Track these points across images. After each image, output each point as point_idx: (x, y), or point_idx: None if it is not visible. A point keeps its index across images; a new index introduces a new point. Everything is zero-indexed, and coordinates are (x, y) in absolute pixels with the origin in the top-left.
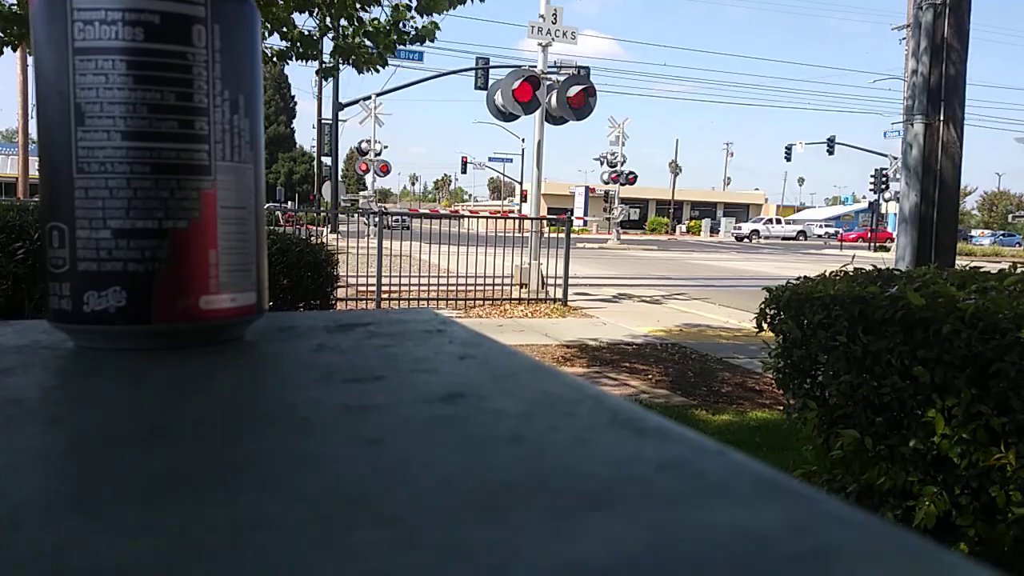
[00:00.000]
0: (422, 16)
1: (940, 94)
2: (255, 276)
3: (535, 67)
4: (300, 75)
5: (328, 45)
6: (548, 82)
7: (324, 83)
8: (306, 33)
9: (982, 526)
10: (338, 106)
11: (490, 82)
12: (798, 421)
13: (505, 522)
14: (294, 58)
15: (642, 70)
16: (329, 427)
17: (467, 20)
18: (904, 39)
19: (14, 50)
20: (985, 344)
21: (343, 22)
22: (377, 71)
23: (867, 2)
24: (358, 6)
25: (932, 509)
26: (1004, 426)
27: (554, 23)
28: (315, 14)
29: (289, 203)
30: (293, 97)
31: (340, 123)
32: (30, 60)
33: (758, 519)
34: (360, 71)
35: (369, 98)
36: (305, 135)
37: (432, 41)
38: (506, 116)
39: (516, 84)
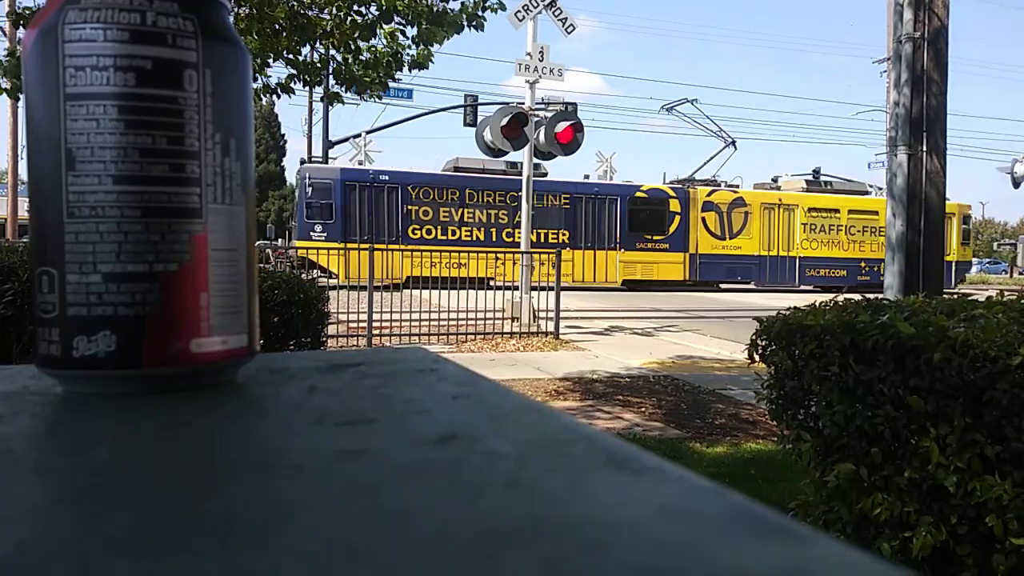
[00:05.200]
0: (419, 46)
1: (922, 125)
2: (246, 318)
3: (523, 104)
4: (290, 113)
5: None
6: (536, 118)
7: (321, 118)
8: (308, 61)
9: (980, 555)
10: (328, 143)
11: (479, 119)
12: (793, 452)
13: (502, 569)
14: (301, 84)
15: (629, 105)
16: (322, 473)
17: (456, 57)
18: (885, 72)
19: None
20: (976, 372)
21: (344, 51)
22: (379, 97)
23: (847, 36)
24: (357, 36)
25: (928, 540)
26: (998, 454)
27: (541, 60)
28: (317, 44)
29: (280, 240)
30: (283, 135)
31: (331, 161)
32: (22, 102)
33: (757, 561)
34: (361, 95)
35: (359, 135)
36: (295, 173)
37: (427, 68)
38: (495, 152)
39: (504, 121)
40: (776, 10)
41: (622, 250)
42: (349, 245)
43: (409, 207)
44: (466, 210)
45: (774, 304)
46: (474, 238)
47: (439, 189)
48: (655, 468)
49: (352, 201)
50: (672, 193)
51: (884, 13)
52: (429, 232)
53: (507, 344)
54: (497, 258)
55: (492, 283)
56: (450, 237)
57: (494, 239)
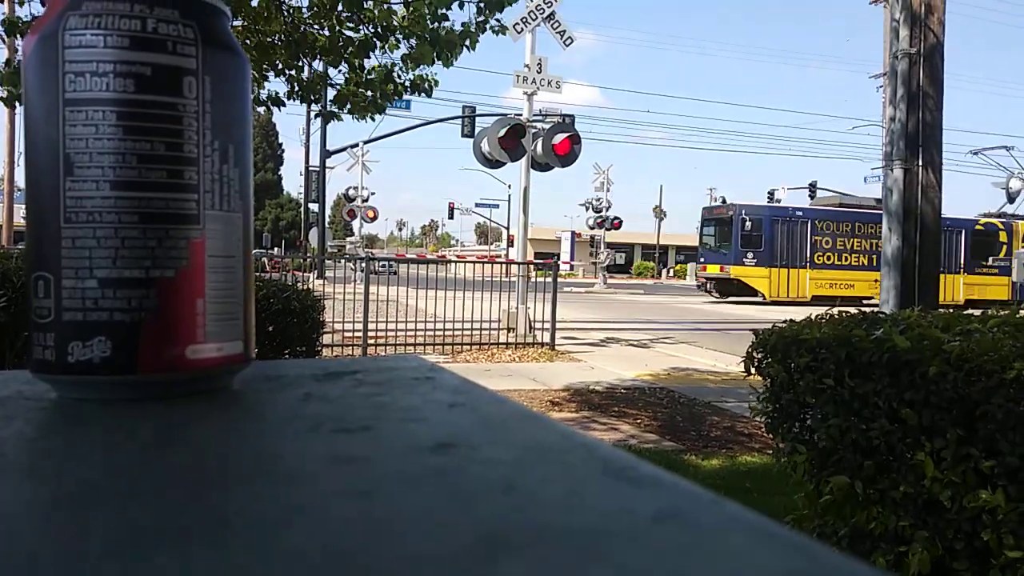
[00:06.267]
0: (414, 68)
1: (918, 140)
2: (242, 325)
3: (521, 115)
4: (288, 122)
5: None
6: (534, 130)
7: (318, 127)
8: (307, 79)
9: (977, 571)
10: (326, 153)
11: (476, 130)
12: (788, 465)
13: None
14: (298, 101)
15: (626, 117)
16: (317, 480)
17: (454, 69)
18: (881, 87)
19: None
20: (971, 386)
21: (344, 67)
22: (373, 119)
23: (842, 51)
24: (351, 54)
25: (926, 556)
26: (993, 468)
27: (539, 72)
28: (315, 60)
29: (276, 249)
30: (281, 144)
31: (327, 170)
32: (18, 109)
33: (755, 570)
34: (356, 117)
35: (356, 145)
36: (292, 182)
37: (430, 96)
38: (492, 163)
39: (502, 132)
40: (772, 22)
41: (965, 274)
42: (774, 270)
43: (815, 237)
44: (854, 239)
45: (768, 317)
46: (860, 263)
47: (836, 223)
48: (652, 477)
49: (776, 233)
50: (1001, 226)
51: (881, 28)
52: (828, 258)
53: (503, 355)
54: (877, 281)
55: (865, 301)
56: (842, 263)
57: (874, 264)
